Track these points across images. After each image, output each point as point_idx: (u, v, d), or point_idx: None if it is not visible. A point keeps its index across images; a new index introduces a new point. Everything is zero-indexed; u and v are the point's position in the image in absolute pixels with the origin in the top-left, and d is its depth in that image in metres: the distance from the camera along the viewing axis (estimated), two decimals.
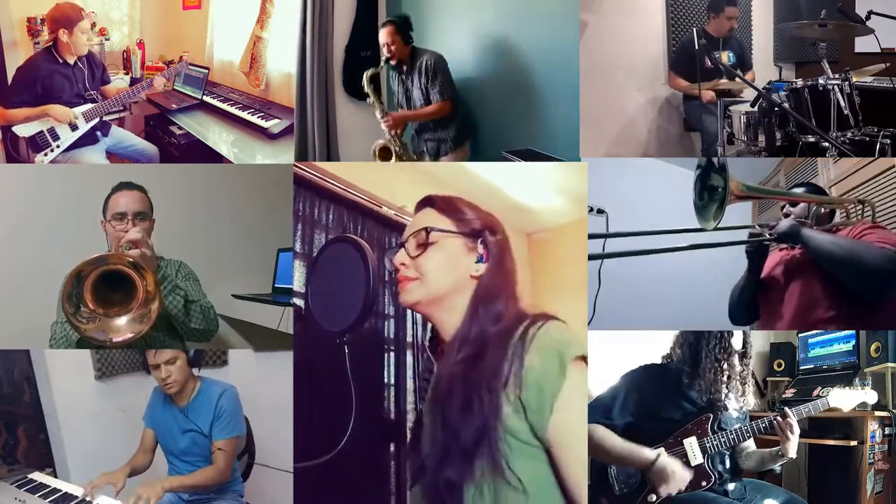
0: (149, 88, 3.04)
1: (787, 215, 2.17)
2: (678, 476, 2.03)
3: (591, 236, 2.22)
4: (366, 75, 3.13)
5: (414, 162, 3.27)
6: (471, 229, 1.39)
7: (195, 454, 2.24)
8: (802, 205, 2.19)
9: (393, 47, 3.14)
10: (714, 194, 2.00)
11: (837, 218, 2.24)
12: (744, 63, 3.49)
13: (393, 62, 3.18)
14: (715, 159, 2.06)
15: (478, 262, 1.37)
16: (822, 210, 2.21)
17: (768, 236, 2.11)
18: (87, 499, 2.01)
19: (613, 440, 2.08)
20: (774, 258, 2.23)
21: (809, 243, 2.02)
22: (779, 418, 2.06)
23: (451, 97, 3.19)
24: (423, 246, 1.36)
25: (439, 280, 1.35)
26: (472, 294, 1.36)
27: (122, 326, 1.94)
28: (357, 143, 3.52)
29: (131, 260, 1.91)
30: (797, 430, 2.05)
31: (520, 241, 3.85)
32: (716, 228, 1.99)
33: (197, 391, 2.26)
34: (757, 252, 2.16)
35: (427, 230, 1.36)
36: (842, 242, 2.00)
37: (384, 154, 3.22)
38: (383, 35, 3.15)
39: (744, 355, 2.15)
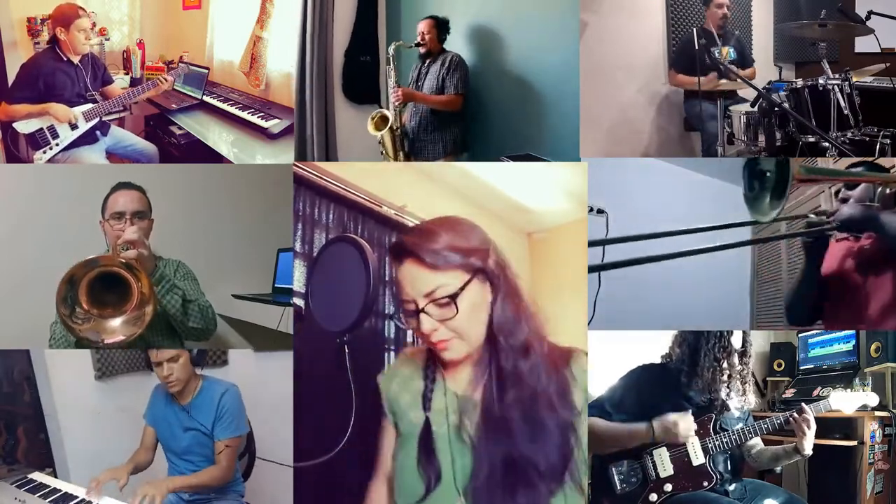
0: (153, 89, 3.04)
1: (844, 200, 1.94)
2: (681, 422, 2.02)
3: (590, 244, 2.15)
4: (394, 43, 3.22)
5: (413, 162, 3.27)
6: (475, 268, 1.32)
7: (196, 453, 2.24)
8: (863, 187, 1.94)
9: (427, 36, 3.25)
10: (765, 181, 1.76)
11: None
12: (744, 59, 3.49)
13: (422, 50, 3.28)
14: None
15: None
16: (888, 191, 1.93)
17: (828, 224, 1.87)
18: (89, 498, 2.01)
19: (605, 425, 2.09)
20: (838, 250, 2.03)
21: (887, 228, 1.80)
22: (795, 415, 2.05)
23: (463, 95, 3.23)
24: (447, 305, 1.29)
25: (473, 329, 1.34)
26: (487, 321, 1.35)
27: (116, 328, 1.95)
28: (356, 147, 3.52)
29: (125, 261, 1.92)
30: (814, 427, 2.04)
31: (520, 240, 3.85)
32: (776, 219, 1.73)
33: (199, 390, 2.26)
34: (816, 244, 1.94)
35: (454, 297, 1.29)
36: None
37: (381, 123, 3.24)
38: (422, 25, 3.27)
39: (743, 354, 2.15)
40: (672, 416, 2.03)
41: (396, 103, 3.22)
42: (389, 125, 3.23)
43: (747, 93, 3.14)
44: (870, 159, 2.61)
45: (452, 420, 1.37)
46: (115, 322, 1.95)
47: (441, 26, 3.29)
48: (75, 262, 2.11)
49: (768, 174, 1.74)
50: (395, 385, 1.47)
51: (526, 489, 1.29)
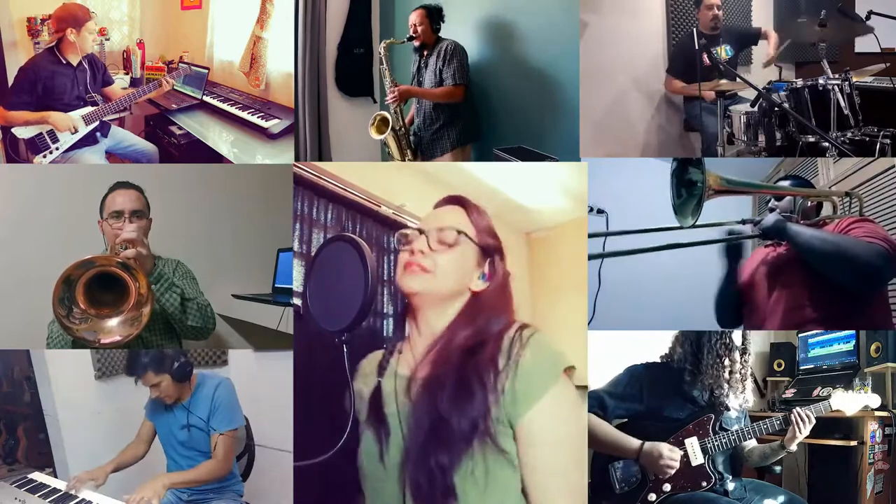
0: (155, 90, 3.03)
1: (772, 209, 2.12)
2: (665, 455, 2.05)
3: (590, 235, 2.20)
4: (385, 42, 3.14)
5: (413, 162, 3.26)
6: (485, 244, 1.43)
7: (194, 448, 2.25)
8: (788, 198, 2.14)
9: (420, 28, 3.16)
10: (692, 189, 1.95)
11: (825, 212, 2.18)
12: (746, 44, 3.49)
13: (416, 43, 3.20)
14: (695, 158, 2.01)
15: (480, 278, 1.41)
16: (809, 203, 2.15)
17: (751, 232, 2.07)
18: (77, 494, 2.02)
19: (604, 427, 2.11)
20: (758, 256, 2.19)
21: (796, 239, 1.97)
22: (793, 415, 2.08)
23: (463, 84, 3.14)
24: (448, 245, 1.38)
25: (447, 280, 1.38)
26: (465, 305, 1.39)
27: (113, 328, 1.95)
28: (349, 141, 3.51)
29: (121, 261, 1.92)
30: (808, 429, 2.07)
31: (519, 240, 3.85)
32: (694, 226, 1.96)
33: (194, 387, 2.28)
34: (732, 251, 2.13)
35: (461, 233, 1.39)
36: (829, 238, 1.95)
37: (382, 125, 3.18)
38: (414, 16, 3.17)
39: (744, 352, 2.16)
40: (662, 447, 2.06)
41: (394, 104, 3.15)
42: (391, 126, 3.18)
43: (747, 93, 3.14)
44: (870, 159, 2.64)
45: (403, 399, 1.39)
46: (113, 322, 1.95)
47: (433, 15, 3.17)
48: (72, 263, 2.13)
49: (697, 183, 1.92)
50: (371, 369, 1.51)
51: (444, 448, 1.29)
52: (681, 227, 1.99)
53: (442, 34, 3.22)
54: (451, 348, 1.35)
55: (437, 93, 3.16)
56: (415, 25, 3.16)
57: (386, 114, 3.19)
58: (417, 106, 3.29)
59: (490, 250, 1.43)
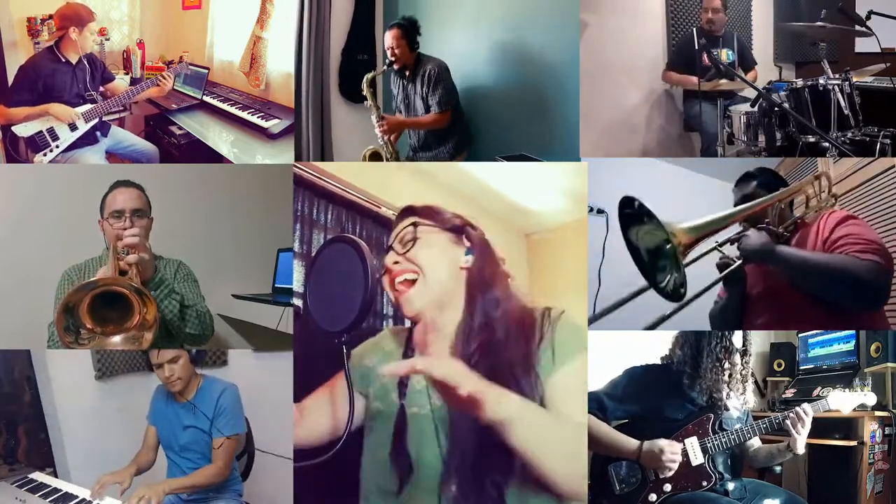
0: (155, 87, 3.03)
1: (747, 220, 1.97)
2: (667, 451, 2.04)
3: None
4: (366, 78, 3.09)
5: (411, 162, 3.26)
6: (452, 225, 1.46)
7: (195, 451, 2.25)
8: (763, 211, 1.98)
9: (398, 51, 3.06)
10: (660, 253, 1.76)
11: (797, 212, 2.08)
12: (745, 61, 3.48)
13: (396, 66, 3.11)
14: (635, 202, 1.75)
15: (466, 254, 1.43)
16: (782, 206, 2.01)
17: (736, 259, 1.92)
18: (92, 499, 2.02)
19: (603, 428, 2.10)
20: (750, 274, 2.09)
21: (785, 265, 1.86)
22: (791, 414, 2.07)
23: (449, 109, 3.11)
24: (411, 241, 1.41)
25: (436, 273, 1.40)
26: (465, 284, 1.41)
27: (118, 343, 1.96)
28: (352, 147, 3.51)
29: (136, 286, 1.92)
30: (808, 427, 2.06)
31: (519, 242, 3.85)
32: (682, 293, 1.74)
33: (198, 388, 2.27)
34: (734, 278, 1.99)
35: (414, 224, 1.43)
36: (820, 260, 1.83)
37: (374, 160, 3.14)
38: (388, 38, 3.08)
39: (744, 353, 2.15)
40: (662, 443, 2.05)
41: (384, 136, 3.09)
42: (384, 158, 3.12)
43: (747, 93, 3.14)
44: (870, 159, 2.64)
45: (437, 400, 1.38)
46: (116, 339, 1.96)
47: (410, 34, 3.06)
48: (73, 274, 2.13)
49: (665, 247, 1.73)
50: (375, 358, 1.50)
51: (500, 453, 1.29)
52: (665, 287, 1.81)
53: (441, 38, 3.23)
54: (475, 339, 1.36)
55: (424, 121, 3.14)
56: (392, 49, 3.06)
57: (375, 147, 3.14)
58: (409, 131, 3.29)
59: (459, 227, 1.46)
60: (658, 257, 1.77)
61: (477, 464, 1.30)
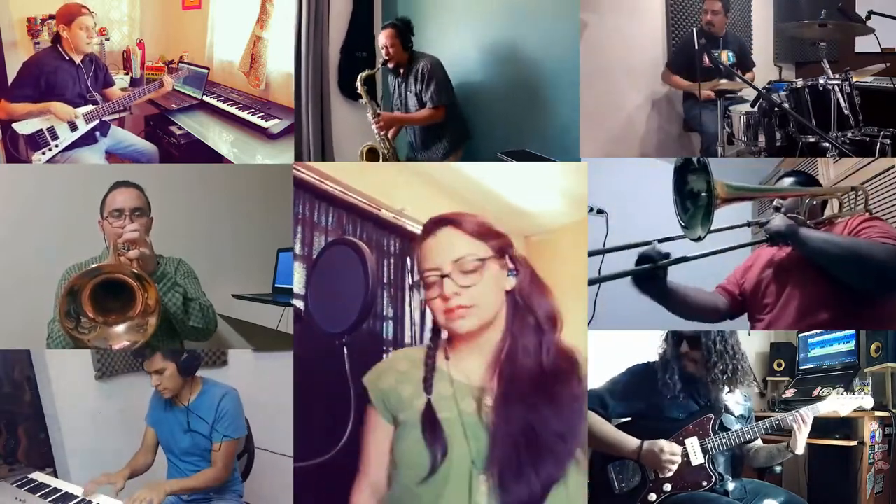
0: (158, 89, 3.03)
1: (777, 208, 2.02)
2: (667, 450, 2.05)
3: (590, 253, 2.16)
4: (360, 76, 3.13)
5: (411, 163, 3.26)
6: (498, 246, 1.44)
7: (196, 454, 2.24)
8: (791, 199, 2.07)
9: (391, 50, 3.11)
10: (697, 200, 1.87)
11: (829, 210, 2.12)
12: (744, 62, 3.48)
13: (390, 66, 3.16)
14: (694, 158, 1.92)
15: (509, 275, 1.43)
16: (815, 202, 2.08)
17: (756, 238, 2.00)
18: (87, 498, 2.02)
19: (604, 427, 2.11)
20: (764, 257, 2.13)
21: (808, 244, 1.89)
22: (791, 414, 2.08)
23: (444, 104, 3.13)
24: (470, 272, 1.38)
25: (490, 301, 1.40)
26: (508, 308, 1.42)
27: (121, 334, 1.95)
28: (351, 144, 3.50)
29: (135, 272, 1.92)
30: (808, 427, 2.07)
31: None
32: (701, 238, 1.86)
33: (199, 392, 2.27)
34: (650, 279, 1.97)
35: (482, 260, 1.39)
36: (842, 241, 1.88)
37: (371, 156, 3.18)
38: (382, 38, 3.12)
39: (743, 354, 2.16)
40: (662, 443, 2.05)
41: (380, 132, 3.14)
42: (381, 154, 3.16)
43: (747, 93, 3.14)
44: (870, 159, 2.64)
45: (465, 407, 1.39)
46: (120, 328, 1.95)
47: (403, 33, 3.11)
48: (73, 272, 2.13)
49: (701, 194, 1.85)
50: (392, 379, 1.48)
51: (548, 453, 1.34)
52: (685, 238, 1.91)
53: (441, 37, 3.24)
54: (518, 355, 1.39)
55: (419, 117, 3.17)
56: (386, 47, 3.11)
57: (372, 144, 3.18)
58: (405, 127, 3.31)
59: (503, 248, 1.44)
60: (696, 199, 1.89)
61: (523, 456, 1.34)
